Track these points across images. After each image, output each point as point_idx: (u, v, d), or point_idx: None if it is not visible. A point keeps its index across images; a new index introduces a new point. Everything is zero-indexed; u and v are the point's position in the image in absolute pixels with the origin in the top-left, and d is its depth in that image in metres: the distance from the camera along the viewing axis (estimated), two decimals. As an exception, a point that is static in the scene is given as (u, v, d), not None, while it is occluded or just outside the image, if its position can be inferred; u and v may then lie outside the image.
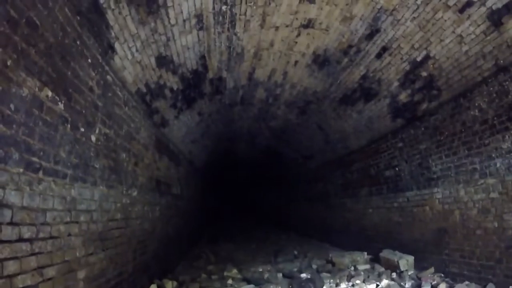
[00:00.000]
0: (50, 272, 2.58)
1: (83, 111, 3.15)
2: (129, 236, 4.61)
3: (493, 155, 4.71)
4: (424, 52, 5.03)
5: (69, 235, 2.92)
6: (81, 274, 3.13)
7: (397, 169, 7.13)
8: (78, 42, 3.01)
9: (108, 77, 3.74)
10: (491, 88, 4.60)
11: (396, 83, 5.97)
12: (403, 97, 6.14)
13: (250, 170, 20.78)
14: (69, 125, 2.87)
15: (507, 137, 4.48)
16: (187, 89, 6.13)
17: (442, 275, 5.55)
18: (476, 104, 4.88)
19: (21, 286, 2.19)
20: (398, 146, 7.02)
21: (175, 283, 5.91)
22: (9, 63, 2.05)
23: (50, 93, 2.53)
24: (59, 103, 2.69)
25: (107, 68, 3.67)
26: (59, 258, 2.73)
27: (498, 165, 4.65)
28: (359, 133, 8.26)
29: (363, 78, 6.34)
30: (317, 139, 10.38)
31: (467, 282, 4.91)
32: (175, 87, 5.73)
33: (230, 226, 18.73)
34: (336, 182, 10.61)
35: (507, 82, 4.35)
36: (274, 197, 19.86)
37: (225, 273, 7.09)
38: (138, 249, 5.00)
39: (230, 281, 6.51)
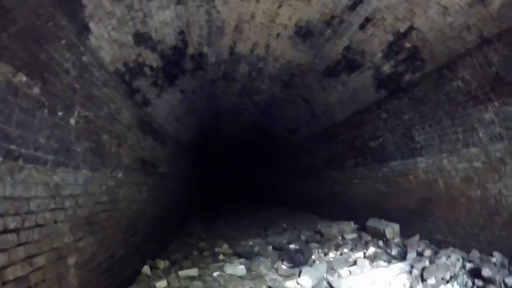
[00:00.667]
0: (40, 261, 2.58)
1: (60, 94, 3.05)
2: (117, 219, 4.60)
3: (476, 125, 4.80)
4: (408, 23, 4.97)
5: (56, 222, 2.89)
6: (72, 260, 3.14)
7: (381, 139, 7.23)
8: (50, 24, 2.86)
9: (84, 58, 3.60)
10: (475, 60, 4.58)
11: (379, 54, 5.94)
12: (386, 68, 6.13)
13: (237, 146, 20.77)
14: (46, 110, 2.78)
15: (489, 108, 4.55)
16: (167, 66, 5.98)
17: (427, 242, 5.73)
18: (460, 75, 4.89)
19: (12, 278, 2.18)
20: (382, 117, 7.07)
21: (167, 262, 5.99)
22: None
23: (24, 78, 2.43)
24: (35, 87, 2.59)
25: (82, 48, 3.52)
26: (48, 246, 2.72)
27: (480, 135, 4.74)
28: (343, 105, 8.28)
29: (347, 50, 6.28)
30: (302, 112, 10.37)
31: (451, 249, 5.07)
32: (155, 65, 5.58)
33: (221, 203, 18.90)
34: (322, 155, 10.73)
35: (490, 54, 4.33)
36: (262, 173, 20.02)
37: (217, 249, 7.22)
38: (128, 231, 5.01)
39: (221, 257, 6.64)
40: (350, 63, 6.63)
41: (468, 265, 4.31)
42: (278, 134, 13.84)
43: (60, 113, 3.04)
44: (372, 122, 7.48)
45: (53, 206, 2.86)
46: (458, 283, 3.96)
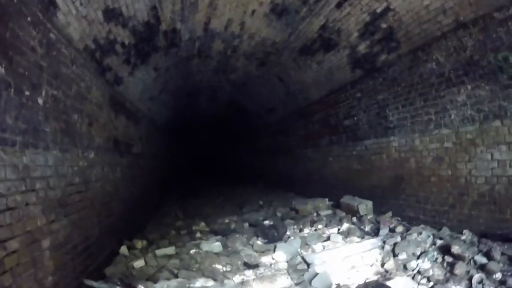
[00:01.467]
0: (13, 244, 2.54)
1: (27, 73, 2.93)
2: (91, 200, 4.54)
3: (448, 107, 4.97)
4: (385, 4, 5.00)
5: (27, 204, 2.84)
6: (46, 243, 3.10)
7: (355, 118, 7.38)
8: (15, 1, 2.71)
9: (52, 35, 3.44)
10: (450, 43, 4.71)
11: (355, 34, 5.97)
12: (362, 48, 6.19)
13: (214, 125, 20.64)
14: (12, 90, 2.67)
15: (462, 90, 4.72)
16: (139, 43, 5.80)
17: (399, 218, 5.97)
18: (434, 58, 5.02)
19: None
20: (356, 96, 7.19)
21: (144, 242, 6.00)
22: None
23: (-13, 57, 2.31)
24: (0, 67, 2.47)
25: (49, 25, 3.36)
26: (20, 230, 2.68)
27: (452, 116, 4.93)
28: (319, 84, 8.34)
29: (323, 28, 6.28)
30: (278, 91, 10.39)
31: (422, 226, 5.31)
32: (126, 42, 5.40)
33: (197, 182, 18.86)
34: (298, 133, 10.85)
35: (465, 38, 4.45)
36: (239, 151, 20.09)
37: (194, 227, 7.27)
38: (102, 212, 4.97)
39: (198, 234, 6.71)
40: (326, 42, 6.65)
41: (439, 242, 4.49)
42: (255, 113, 13.84)
43: (27, 93, 2.93)
44: (347, 102, 7.60)
45: (23, 188, 2.80)
46: (428, 259, 4.15)
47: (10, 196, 2.56)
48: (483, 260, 3.78)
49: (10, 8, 2.63)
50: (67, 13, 3.64)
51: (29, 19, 2.95)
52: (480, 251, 4.00)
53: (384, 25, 5.41)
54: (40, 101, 3.20)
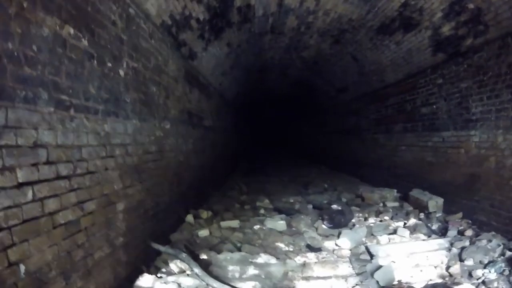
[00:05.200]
0: (90, 206, 2.76)
1: (109, 46, 3.10)
2: (164, 168, 4.80)
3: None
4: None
5: (106, 169, 3.05)
6: (120, 206, 3.34)
7: (434, 106, 6.74)
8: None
9: (131, 10, 3.59)
10: None
11: (439, 14, 5.38)
12: (446, 29, 5.57)
13: (282, 102, 20.57)
14: (95, 61, 2.84)
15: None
16: (214, 18, 5.86)
17: (470, 221, 5.46)
18: (526, 46, 4.34)
19: (62, 222, 2.35)
20: (437, 82, 6.55)
21: (209, 212, 6.25)
22: (25, 4, 1.98)
23: (72, 30, 2.47)
24: (83, 39, 2.63)
25: (128, 0, 3.50)
26: (98, 192, 2.89)
27: (543, 114, 4.25)
28: (396, 66, 7.76)
29: (404, 6, 5.74)
30: (351, 71, 9.91)
31: (493, 233, 4.79)
32: (201, 17, 5.48)
33: (263, 159, 19.13)
34: (369, 117, 10.33)
35: None
36: (306, 130, 19.85)
37: (257, 203, 7.40)
38: (173, 181, 5.24)
39: (262, 211, 6.82)
40: (406, 21, 6.10)
41: (508, 253, 4.05)
42: (325, 92, 13.45)
43: (109, 64, 3.11)
44: (426, 87, 6.97)
45: (103, 154, 3.01)
46: (495, 270, 3.75)
47: (90, 161, 2.77)
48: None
49: (90, -18, 2.75)
50: (146, -12, 3.75)
51: (109, -6, 3.08)
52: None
53: (471, 5, 4.77)
54: (121, 72, 3.39)
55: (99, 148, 2.93)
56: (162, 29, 4.63)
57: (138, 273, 3.54)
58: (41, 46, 2.13)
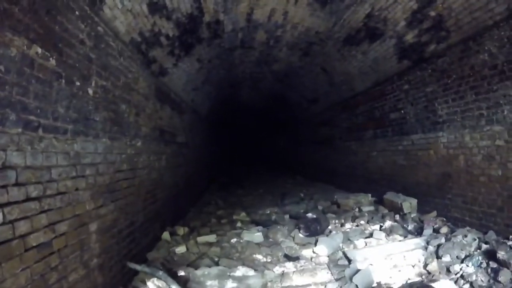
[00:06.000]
0: (62, 227, 2.70)
1: (77, 65, 3.08)
2: (137, 186, 4.74)
3: (501, 102, 4.58)
4: (434, -10, 4.70)
5: (77, 189, 3.00)
6: (93, 227, 3.28)
7: (402, 111, 7.05)
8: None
9: (99, 28, 3.59)
10: (503, 33, 4.33)
11: (403, 23, 5.67)
12: (409, 37, 5.87)
13: (255, 116, 20.74)
14: (63, 80, 2.82)
15: (517, 84, 4.33)
16: (183, 35, 5.91)
17: (444, 219, 5.69)
18: (486, 48, 4.64)
19: (34, 244, 2.30)
20: (404, 88, 6.86)
21: (186, 229, 6.19)
22: (-9, 23, 1.97)
23: (39, 50, 2.46)
24: (51, 59, 2.62)
25: (97, 19, 3.51)
26: (70, 213, 2.84)
27: (505, 112, 4.53)
28: (364, 75, 8.06)
29: (368, 17, 6.02)
30: (322, 82, 10.18)
31: (468, 228, 5.02)
32: (171, 34, 5.52)
33: (238, 172, 19.13)
34: (341, 125, 10.61)
35: None
36: (280, 142, 20.06)
37: (234, 217, 7.39)
38: (147, 199, 5.18)
39: (239, 224, 6.81)
40: (371, 31, 6.38)
41: (484, 246, 4.24)
42: (297, 104, 13.70)
43: (77, 83, 3.09)
44: (394, 94, 7.28)
45: (74, 174, 2.96)
46: (472, 263, 3.92)
47: (61, 182, 2.72)
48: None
49: (57, 3, 2.75)
50: (113, 7, 3.77)
51: (77, 13, 3.08)
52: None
53: (433, 13, 5.07)
54: (90, 91, 3.36)
55: (69, 168, 2.88)
56: (131, 46, 4.63)
57: (114, 294, 3.46)
58: (8, 66, 2.11)
